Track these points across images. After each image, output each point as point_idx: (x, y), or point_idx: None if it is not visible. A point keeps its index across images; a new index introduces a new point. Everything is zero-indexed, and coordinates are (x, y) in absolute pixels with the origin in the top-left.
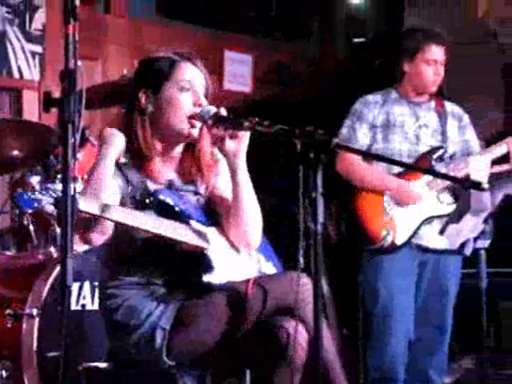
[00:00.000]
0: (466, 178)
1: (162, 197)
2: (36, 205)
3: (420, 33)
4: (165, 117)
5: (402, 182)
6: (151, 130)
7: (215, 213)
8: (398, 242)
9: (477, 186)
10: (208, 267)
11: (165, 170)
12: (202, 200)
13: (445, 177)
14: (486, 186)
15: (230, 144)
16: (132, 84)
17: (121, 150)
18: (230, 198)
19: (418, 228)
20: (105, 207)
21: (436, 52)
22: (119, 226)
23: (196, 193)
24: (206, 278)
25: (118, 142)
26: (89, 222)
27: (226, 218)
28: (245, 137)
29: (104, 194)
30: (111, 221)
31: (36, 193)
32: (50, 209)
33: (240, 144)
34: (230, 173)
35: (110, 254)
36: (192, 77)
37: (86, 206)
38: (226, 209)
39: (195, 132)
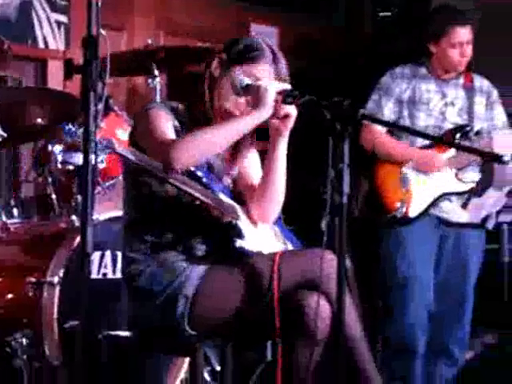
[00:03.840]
0: (488, 151)
1: (192, 168)
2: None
3: (445, 14)
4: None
5: (425, 152)
6: (217, 99)
7: (239, 194)
8: (411, 214)
9: (498, 158)
10: (240, 235)
11: None
12: (231, 183)
13: (466, 149)
14: (506, 158)
15: (274, 120)
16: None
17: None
18: (255, 181)
19: (433, 203)
20: (138, 153)
21: (461, 34)
22: (152, 182)
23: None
24: (238, 243)
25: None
26: None
27: (249, 194)
28: (291, 115)
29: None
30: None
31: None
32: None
33: (285, 121)
34: (269, 148)
35: (136, 214)
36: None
37: (122, 149)
38: (250, 191)
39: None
